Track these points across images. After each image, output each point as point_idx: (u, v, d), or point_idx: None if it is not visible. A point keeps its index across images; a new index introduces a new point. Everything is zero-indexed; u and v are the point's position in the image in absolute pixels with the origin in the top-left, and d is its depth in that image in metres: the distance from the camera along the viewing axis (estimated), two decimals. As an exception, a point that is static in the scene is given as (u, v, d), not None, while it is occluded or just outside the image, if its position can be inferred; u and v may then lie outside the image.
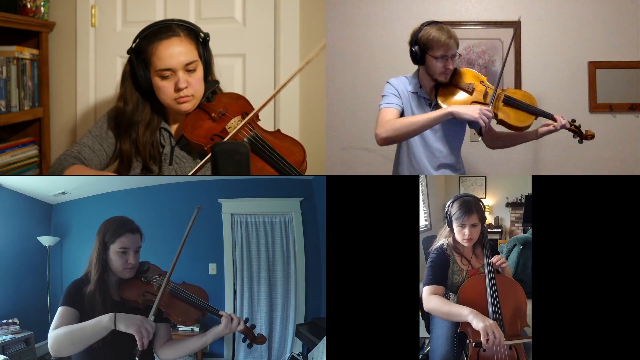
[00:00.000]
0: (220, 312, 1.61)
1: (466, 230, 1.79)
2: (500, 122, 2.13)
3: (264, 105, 1.85)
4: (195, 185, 3.33)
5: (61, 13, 2.73)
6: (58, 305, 1.50)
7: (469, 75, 2.18)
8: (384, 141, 2.07)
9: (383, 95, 2.19)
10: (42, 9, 2.64)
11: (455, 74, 2.16)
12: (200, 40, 1.87)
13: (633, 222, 1.68)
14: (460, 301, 1.72)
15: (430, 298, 1.73)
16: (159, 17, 2.79)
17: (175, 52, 1.79)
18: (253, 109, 1.92)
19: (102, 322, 1.41)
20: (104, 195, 3.36)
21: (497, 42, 3.12)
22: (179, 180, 3.28)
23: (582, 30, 3.10)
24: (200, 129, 1.83)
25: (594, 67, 3.10)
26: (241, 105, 1.94)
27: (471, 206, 1.80)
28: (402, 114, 2.15)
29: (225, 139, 1.77)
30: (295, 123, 2.63)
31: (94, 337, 1.41)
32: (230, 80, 2.63)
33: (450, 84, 2.14)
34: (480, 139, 2.36)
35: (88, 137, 1.91)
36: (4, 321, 2.86)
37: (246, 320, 1.66)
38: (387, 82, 2.21)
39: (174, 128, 1.95)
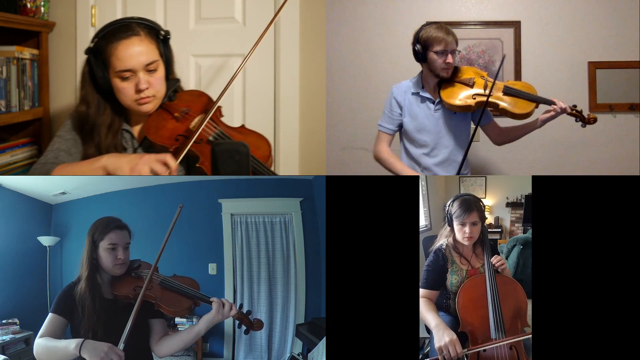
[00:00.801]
0: (211, 299, 1.59)
1: (467, 229, 1.81)
2: (502, 111, 2.19)
3: (226, 87, 1.79)
4: (195, 185, 3.32)
5: (61, 13, 2.73)
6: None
7: (470, 71, 2.28)
8: (376, 161, 2.43)
9: (384, 111, 2.36)
10: (42, 9, 2.64)
11: (457, 71, 2.26)
12: (160, 39, 1.81)
13: (633, 222, 1.68)
14: (460, 301, 1.72)
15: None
16: (159, 17, 2.79)
17: (135, 52, 1.72)
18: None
19: (70, 347, 1.40)
20: (104, 195, 3.35)
21: (497, 42, 3.12)
22: (179, 181, 3.27)
23: (582, 30, 3.09)
24: (163, 129, 1.78)
25: (594, 67, 3.10)
26: (204, 102, 1.89)
27: (471, 204, 1.82)
28: (399, 127, 2.37)
29: (193, 140, 1.70)
30: (295, 123, 2.63)
31: (64, 358, 1.42)
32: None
33: (452, 80, 2.24)
34: (479, 139, 2.40)
35: (60, 142, 1.83)
36: (4, 321, 2.86)
37: (240, 307, 1.66)
38: (391, 90, 2.35)
39: (136, 129, 1.89)
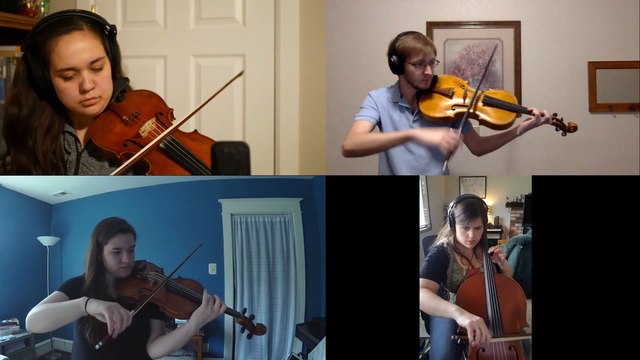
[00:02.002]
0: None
1: (470, 233, 1.78)
2: (482, 122, 2.15)
3: (185, 120, 1.66)
4: (195, 185, 3.33)
5: (61, 13, 2.73)
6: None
7: (449, 80, 2.21)
8: (347, 153, 2.14)
9: (361, 107, 2.22)
10: (42, 9, 2.65)
11: (436, 81, 2.19)
12: (106, 34, 1.63)
13: (633, 222, 1.68)
14: (459, 300, 1.72)
15: (420, 291, 1.73)
16: (159, 17, 2.79)
17: (78, 49, 1.54)
18: (167, 107, 1.76)
19: (75, 302, 1.38)
20: (104, 195, 3.36)
21: (497, 42, 3.13)
22: (179, 181, 3.28)
23: (582, 30, 3.10)
24: (110, 134, 1.64)
25: (594, 67, 3.10)
26: (154, 104, 1.75)
27: (476, 209, 1.79)
28: (379, 124, 2.20)
29: (141, 151, 1.58)
30: (295, 123, 2.63)
31: (67, 318, 1.39)
32: (230, 80, 2.63)
33: (431, 90, 2.17)
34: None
35: None
36: (4, 321, 2.87)
37: (244, 311, 1.66)
38: (368, 94, 2.25)
39: (80, 132, 1.73)
